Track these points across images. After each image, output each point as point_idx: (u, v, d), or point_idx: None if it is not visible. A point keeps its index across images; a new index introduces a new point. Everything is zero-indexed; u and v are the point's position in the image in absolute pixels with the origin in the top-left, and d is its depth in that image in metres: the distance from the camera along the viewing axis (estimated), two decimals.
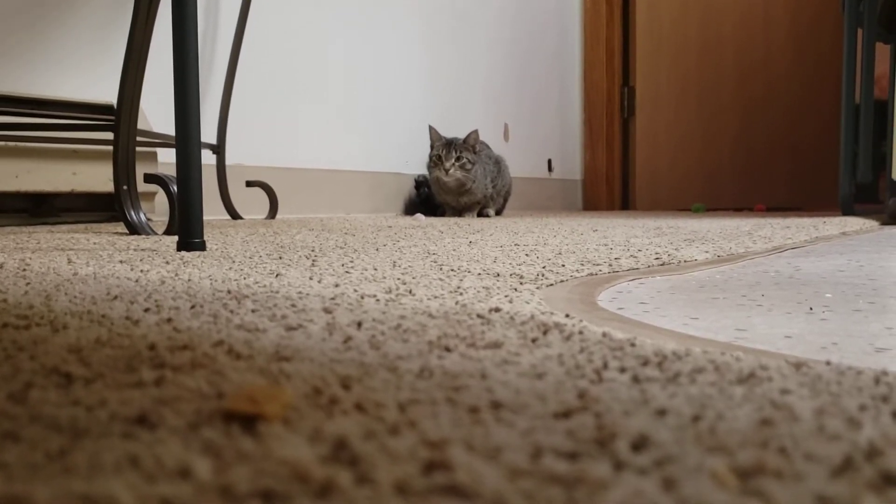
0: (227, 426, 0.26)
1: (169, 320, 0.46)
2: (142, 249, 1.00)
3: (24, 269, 0.73)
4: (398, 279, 0.68)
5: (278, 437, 0.25)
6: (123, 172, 1.33)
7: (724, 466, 0.23)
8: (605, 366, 0.35)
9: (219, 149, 1.96)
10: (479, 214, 2.46)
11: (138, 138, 1.37)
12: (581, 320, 0.48)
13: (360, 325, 0.45)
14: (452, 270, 0.76)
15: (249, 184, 2.05)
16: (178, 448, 0.24)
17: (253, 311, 0.50)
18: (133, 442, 0.24)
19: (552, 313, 0.51)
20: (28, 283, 0.62)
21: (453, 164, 2.31)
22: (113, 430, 0.25)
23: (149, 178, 1.34)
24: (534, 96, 3.26)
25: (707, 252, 1.02)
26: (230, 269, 0.76)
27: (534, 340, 0.41)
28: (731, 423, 0.27)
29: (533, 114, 3.26)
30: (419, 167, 2.61)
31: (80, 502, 0.20)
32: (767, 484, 0.22)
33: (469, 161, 2.32)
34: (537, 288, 0.66)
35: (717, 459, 0.23)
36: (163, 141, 1.56)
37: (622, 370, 0.35)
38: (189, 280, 0.66)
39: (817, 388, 0.32)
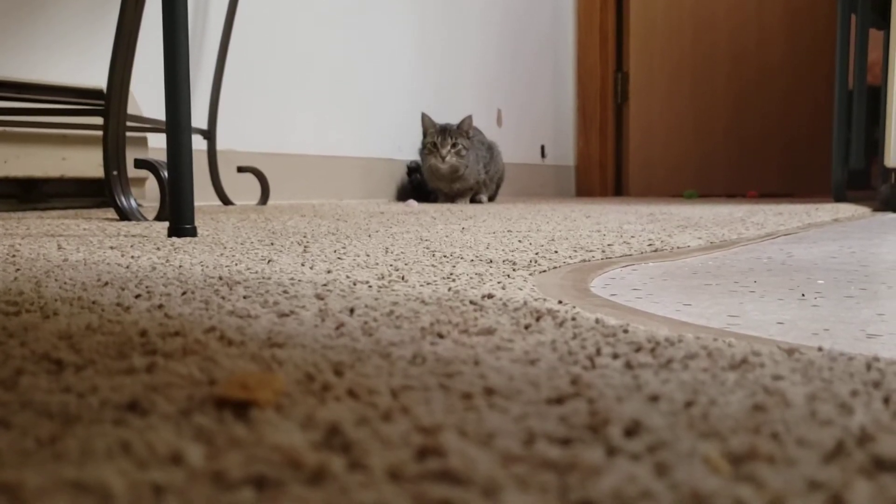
0: (219, 412, 0.26)
1: (160, 306, 0.45)
2: (132, 235, 0.99)
3: (14, 256, 0.72)
4: (391, 265, 0.68)
5: (271, 423, 0.25)
6: (113, 158, 1.32)
7: (716, 452, 0.23)
8: (598, 352, 0.35)
9: (210, 134, 1.95)
10: (472, 200, 2.46)
11: (128, 123, 1.36)
12: (574, 307, 0.48)
13: (352, 311, 0.45)
14: (445, 257, 0.76)
15: (241, 169, 2.04)
16: (170, 434, 0.24)
17: (245, 297, 0.49)
18: (125, 428, 0.24)
19: (545, 300, 0.51)
20: (18, 270, 0.62)
21: (449, 151, 2.31)
22: (104, 417, 0.25)
23: (139, 164, 1.33)
24: (527, 82, 3.25)
25: (700, 238, 1.03)
26: (221, 255, 0.76)
27: (527, 327, 0.41)
28: (723, 408, 0.27)
29: (526, 99, 3.25)
30: (411, 153, 2.61)
31: (71, 489, 0.19)
32: (760, 469, 0.22)
33: (464, 147, 2.33)
34: (530, 274, 0.66)
35: (710, 445, 0.23)
36: (153, 126, 1.55)
37: (615, 356, 0.35)
38: (180, 266, 0.66)
39: (809, 374, 0.32)
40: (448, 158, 2.31)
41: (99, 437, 0.23)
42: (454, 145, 2.31)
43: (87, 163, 1.64)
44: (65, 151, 1.62)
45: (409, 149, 2.63)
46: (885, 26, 2.15)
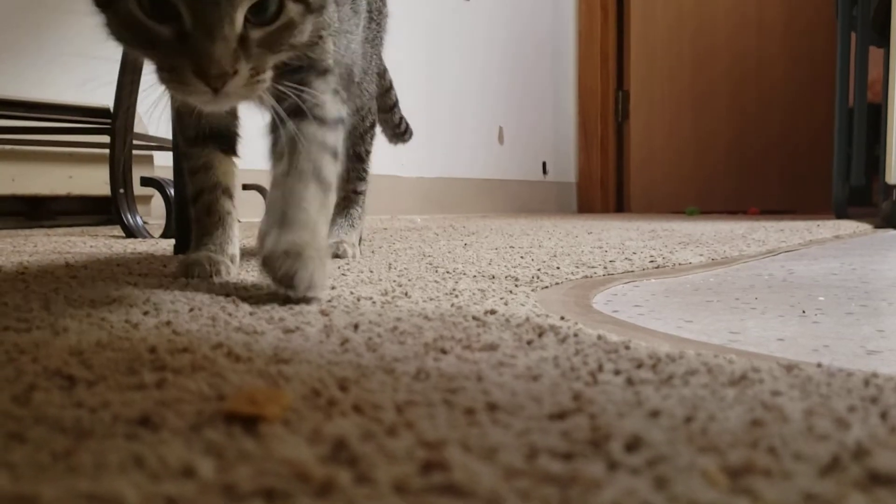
0: (228, 427, 0.26)
1: (168, 323, 0.46)
2: (138, 253, 1.00)
3: (23, 273, 0.73)
4: (394, 281, 0.69)
5: (279, 437, 0.25)
6: (120, 176, 1.33)
7: (714, 466, 0.23)
8: (600, 368, 0.36)
9: None
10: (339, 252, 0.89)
11: (134, 142, 1.38)
12: (576, 323, 0.49)
13: (356, 327, 0.45)
14: (448, 272, 0.77)
15: (246, 187, 2.05)
16: (181, 448, 0.24)
17: (251, 313, 0.50)
18: (137, 443, 0.25)
19: (547, 315, 0.52)
20: (27, 286, 0.63)
21: (234, 54, 0.49)
22: (116, 431, 0.26)
23: (145, 182, 1.34)
24: (528, 100, 3.27)
25: (701, 255, 1.03)
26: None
27: (529, 343, 0.42)
28: (722, 423, 0.27)
29: (527, 116, 3.27)
30: (416, 169, 2.61)
31: (86, 501, 0.20)
32: (756, 482, 0.22)
33: (292, 20, 0.53)
34: (532, 290, 0.67)
35: (708, 459, 0.24)
36: (159, 144, 1.56)
37: (617, 372, 0.35)
38: (186, 283, 0.66)
39: (807, 390, 0.32)
40: (232, 88, 0.50)
41: (112, 451, 0.24)
42: (261, 23, 0.51)
43: (94, 181, 1.66)
44: (72, 170, 1.63)
45: (410, 164, 2.64)
46: (885, 44, 2.17)
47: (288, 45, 0.54)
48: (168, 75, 0.51)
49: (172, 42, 0.49)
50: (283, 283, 0.53)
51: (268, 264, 0.54)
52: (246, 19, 0.49)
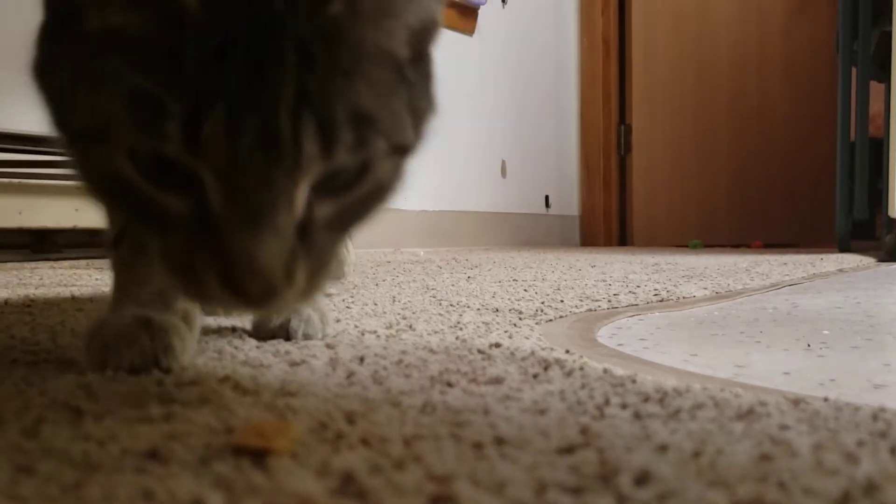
0: (236, 460, 0.26)
1: None
2: None
3: (29, 305, 0.73)
4: (398, 314, 0.69)
5: (287, 470, 0.25)
6: None
7: (724, 500, 0.23)
8: (607, 402, 0.36)
9: None
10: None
11: None
12: (581, 356, 0.49)
13: (362, 360, 0.46)
14: (452, 305, 0.77)
15: None
16: (190, 482, 0.24)
17: (256, 347, 0.50)
18: (145, 476, 0.25)
19: (552, 349, 0.52)
20: (33, 319, 0.63)
21: (291, 255, 0.31)
22: (125, 465, 0.26)
23: None
24: (531, 133, 3.30)
25: (705, 288, 1.03)
26: None
27: (535, 376, 0.42)
28: (730, 458, 0.27)
29: (530, 150, 3.29)
30: (419, 202, 2.62)
31: None
32: None
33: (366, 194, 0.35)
34: (536, 323, 0.67)
35: (718, 493, 0.24)
36: None
37: (624, 406, 0.35)
38: None
39: (815, 424, 0.32)
40: (284, 303, 0.32)
41: (121, 485, 0.24)
42: (333, 190, 0.33)
43: (100, 214, 1.67)
44: (78, 202, 1.64)
45: (413, 197, 2.66)
46: (886, 79, 2.19)
47: (370, 215, 0.37)
48: (176, 274, 0.32)
49: (186, 224, 0.30)
50: (279, 335, 0.53)
51: (261, 326, 0.54)
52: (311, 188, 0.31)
